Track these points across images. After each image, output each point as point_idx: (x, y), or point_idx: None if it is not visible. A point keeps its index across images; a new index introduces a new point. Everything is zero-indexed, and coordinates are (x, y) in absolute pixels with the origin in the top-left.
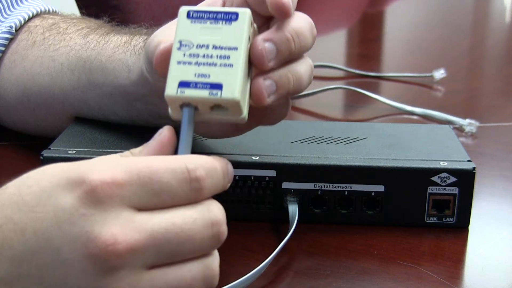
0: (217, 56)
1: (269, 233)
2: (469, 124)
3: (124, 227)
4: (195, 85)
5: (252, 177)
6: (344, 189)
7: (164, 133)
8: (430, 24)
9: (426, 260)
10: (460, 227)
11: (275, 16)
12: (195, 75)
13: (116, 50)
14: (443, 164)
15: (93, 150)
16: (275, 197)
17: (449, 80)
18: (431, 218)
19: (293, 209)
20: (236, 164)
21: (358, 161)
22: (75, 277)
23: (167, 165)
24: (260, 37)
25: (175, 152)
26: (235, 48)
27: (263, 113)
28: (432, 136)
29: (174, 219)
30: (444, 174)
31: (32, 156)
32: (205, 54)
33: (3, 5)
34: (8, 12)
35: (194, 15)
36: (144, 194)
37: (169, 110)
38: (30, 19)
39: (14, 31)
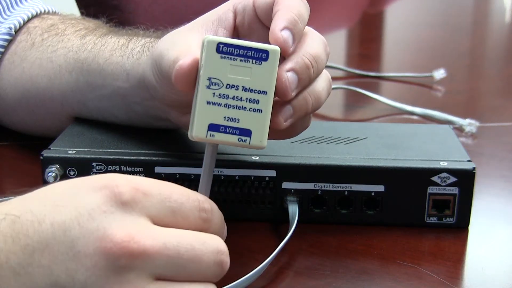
0: (246, 99)
1: (269, 233)
2: (469, 124)
3: (141, 231)
4: (225, 129)
5: (252, 177)
6: (344, 189)
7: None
8: (430, 24)
9: (426, 260)
10: (460, 227)
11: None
12: (225, 118)
13: (113, 52)
14: (443, 164)
15: (93, 150)
16: (275, 197)
17: (449, 80)
18: (431, 218)
19: (293, 209)
20: (236, 164)
21: (358, 161)
22: (84, 272)
23: (183, 191)
24: (283, 68)
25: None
26: (265, 93)
27: (284, 130)
28: (432, 136)
29: (186, 235)
30: (444, 174)
31: (32, 156)
32: (235, 96)
33: (2, 6)
34: (8, 13)
35: (224, 49)
36: (162, 209)
37: (190, 136)
38: (29, 20)
39: (14, 32)
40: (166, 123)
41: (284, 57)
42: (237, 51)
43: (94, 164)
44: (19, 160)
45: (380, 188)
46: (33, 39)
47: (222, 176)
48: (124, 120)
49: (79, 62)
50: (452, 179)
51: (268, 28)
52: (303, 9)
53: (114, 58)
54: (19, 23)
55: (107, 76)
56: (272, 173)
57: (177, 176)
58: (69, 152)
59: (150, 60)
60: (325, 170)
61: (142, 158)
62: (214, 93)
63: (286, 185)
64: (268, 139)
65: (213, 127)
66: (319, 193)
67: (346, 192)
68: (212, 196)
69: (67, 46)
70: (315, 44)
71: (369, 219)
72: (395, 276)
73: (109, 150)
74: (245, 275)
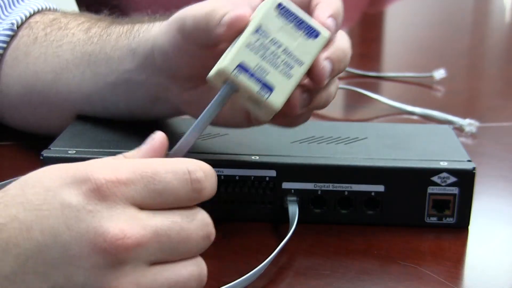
0: (282, 61)
1: (269, 233)
2: (469, 124)
3: (130, 223)
4: (251, 75)
5: (252, 177)
6: (344, 189)
7: (157, 138)
8: (430, 24)
9: (426, 260)
10: (460, 227)
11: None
12: (256, 66)
13: (119, 39)
14: (443, 164)
15: (93, 150)
16: (275, 197)
17: (449, 80)
18: (431, 218)
19: (293, 209)
20: (236, 164)
21: (358, 161)
22: (82, 273)
23: (169, 167)
24: (323, 55)
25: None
26: (301, 63)
27: (287, 118)
28: (432, 136)
29: (175, 218)
30: (444, 174)
31: (32, 156)
32: (274, 52)
33: (4, 3)
34: (9, 10)
35: (283, 10)
36: (147, 193)
37: (212, 72)
38: (31, 16)
39: (16, 28)
40: (164, 107)
41: None
42: (293, 18)
43: None
44: (19, 160)
45: (380, 188)
46: (36, 34)
47: (222, 176)
48: (124, 111)
49: (86, 55)
50: (452, 179)
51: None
52: (341, 6)
53: (120, 43)
54: (21, 19)
55: (113, 62)
56: (272, 173)
57: None
58: (69, 152)
59: (167, 26)
60: (325, 170)
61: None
62: (257, 40)
63: (286, 185)
64: (271, 123)
65: (242, 68)
66: (319, 193)
67: (346, 192)
68: (212, 196)
69: (73, 41)
70: (345, 41)
71: (369, 219)
72: (395, 276)
73: (109, 150)
74: (244, 275)
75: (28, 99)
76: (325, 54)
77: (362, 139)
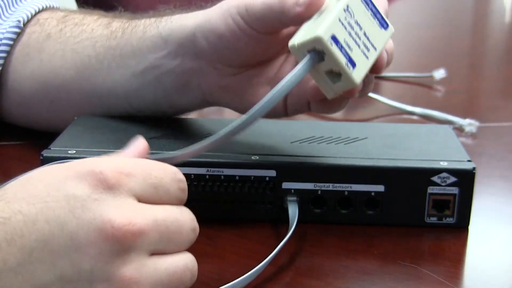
0: (362, 42)
1: (269, 233)
2: (469, 124)
3: (134, 212)
4: (341, 48)
5: (252, 177)
6: (344, 189)
7: (139, 142)
8: (430, 24)
9: (426, 260)
10: (460, 227)
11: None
12: (344, 40)
13: (146, 29)
14: (443, 164)
15: (93, 150)
16: (275, 197)
17: (449, 80)
18: (431, 218)
19: (293, 209)
20: (236, 164)
21: (358, 161)
22: (88, 261)
23: (159, 166)
24: (386, 49)
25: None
26: (375, 48)
27: (330, 103)
28: (432, 136)
29: (169, 209)
30: (444, 174)
31: (32, 156)
32: (357, 33)
33: (4, 3)
34: (12, 9)
35: None
36: (145, 187)
37: (301, 39)
38: (37, 13)
39: (22, 25)
40: (191, 96)
41: None
42: (371, 7)
43: None
44: (19, 160)
45: (380, 188)
46: (48, 30)
47: (222, 176)
48: (150, 101)
49: (110, 50)
50: (452, 179)
51: None
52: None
53: (148, 33)
54: (27, 17)
55: (141, 53)
56: (272, 173)
57: None
58: (69, 152)
59: (221, 11)
60: (325, 170)
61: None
62: (346, 17)
63: (286, 185)
64: (315, 111)
65: (334, 39)
66: (319, 193)
67: (346, 192)
68: (213, 196)
69: (93, 37)
70: (391, 42)
71: (369, 219)
72: (395, 276)
73: (109, 150)
74: (244, 275)
75: (44, 95)
76: (388, 40)
77: (362, 139)
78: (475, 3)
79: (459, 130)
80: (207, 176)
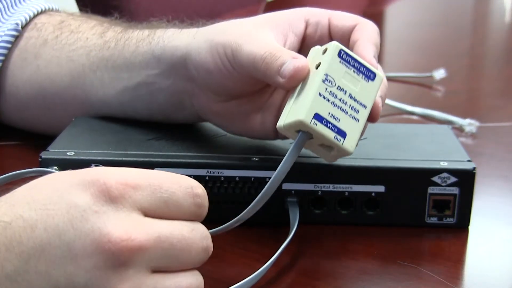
0: (350, 106)
1: (269, 234)
2: (469, 124)
3: (135, 226)
4: (327, 123)
5: (252, 178)
6: (344, 189)
7: None
8: (430, 24)
9: (426, 260)
10: (460, 227)
11: None
12: (329, 114)
13: (139, 44)
14: (443, 164)
15: (92, 151)
16: (276, 198)
17: (449, 80)
18: (431, 218)
19: (294, 210)
20: (236, 165)
21: (358, 161)
22: (84, 273)
23: (174, 179)
24: (379, 95)
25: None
26: (365, 106)
27: None
28: (431, 136)
29: (177, 226)
30: (444, 174)
31: (32, 156)
32: (342, 98)
33: (3, 5)
34: (12, 11)
35: (344, 56)
36: (153, 200)
37: (285, 122)
38: (35, 16)
39: (21, 28)
40: (187, 113)
41: None
42: (353, 62)
43: (93, 165)
44: (19, 160)
45: (381, 188)
46: (45, 36)
47: (222, 177)
48: (144, 113)
49: (103, 60)
50: (453, 179)
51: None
52: (378, 37)
53: (141, 48)
54: (26, 19)
55: (134, 67)
56: (272, 174)
57: None
58: (67, 153)
59: (208, 44)
60: (325, 170)
61: (141, 159)
62: (326, 89)
63: (286, 186)
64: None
65: (318, 117)
66: (319, 193)
67: (347, 192)
68: (213, 198)
69: (87, 46)
70: (382, 72)
71: (370, 219)
72: (395, 276)
73: (108, 152)
74: (246, 276)
75: (41, 100)
76: (379, 93)
77: (362, 139)
78: (475, 3)
79: (459, 130)
80: (207, 177)
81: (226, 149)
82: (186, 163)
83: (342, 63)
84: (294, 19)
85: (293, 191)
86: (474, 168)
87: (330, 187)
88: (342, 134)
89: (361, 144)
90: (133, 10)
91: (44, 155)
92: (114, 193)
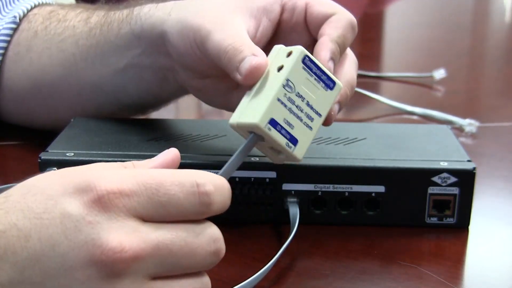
0: (305, 113)
1: (269, 234)
2: (469, 124)
3: (130, 236)
4: (281, 129)
5: (252, 178)
6: (344, 190)
7: (170, 152)
8: (430, 24)
9: (426, 260)
10: (460, 227)
11: None
12: (284, 120)
13: (120, 26)
14: (443, 164)
15: (91, 152)
16: (276, 199)
17: (449, 80)
18: (431, 218)
19: (294, 211)
20: None
21: (358, 161)
22: (79, 285)
23: (175, 178)
24: (337, 101)
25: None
26: (320, 115)
27: None
28: (431, 136)
29: (179, 232)
30: (444, 174)
31: (31, 156)
32: (299, 105)
33: (2, 2)
34: (10, 7)
35: (307, 63)
36: (150, 206)
37: (238, 121)
38: (32, 9)
39: (18, 21)
40: (172, 88)
41: None
42: (315, 70)
43: None
44: (19, 160)
45: (381, 188)
46: (35, 27)
47: None
48: (135, 95)
49: (92, 48)
50: (453, 179)
51: (309, 33)
52: (350, 33)
53: (122, 30)
54: (23, 12)
55: (120, 50)
56: (272, 174)
57: None
58: (67, 154)
59: (180, 25)
60: (326, 171)
61: (140, 160)
62: (285, 94)
63: (286, 186)
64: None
65: (272, 122)
66: (319, 194)
67: (347, 193)
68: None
69: (75, 34)
70: (352, 69)
71: (370, 219)
72: (395, 276)
73: (107, 152)
74: (246, 276)
75: (37, 92)
76: (336, 99)
77: (361, 139)
78: (475, 3)
79: (459, 130)
80: None
81: (226, 149)
82: (186, 164)
83: (305, 69)
84: (270, 3)
85: (293, 192)
86: (474, 168)
87: (330, 187)
88: (294, 141)
89: (361, 144)
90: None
91: (43, 155)
92: (106, 203)
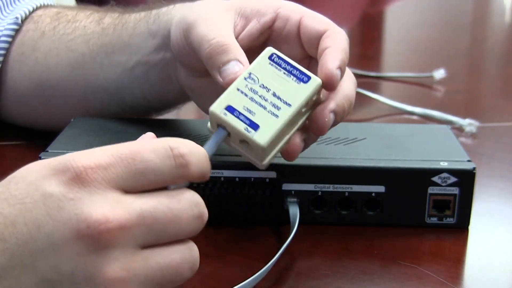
0: (270, 103)
1: (269, 234)
2: (469, 124)
3: (113, 207)
4: (239, 114)
5: (252, 178)
6: (344, 190)
7: (147, 136)
8: (430, 24)
9: (426, 260)
10: (460, 227)
11: (326, 88)
12: (243, 107)
13: (136, 26)
14: (443, 164)
15: None
16: (276, 199)
17: (449, 80)
18: (431, 218)
19: (294, 211)
20: (236, 166)
21: (358, 162)
22: (69, 261)
23: (149, 146)
24: (327, 107)
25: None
26: (289, 105)
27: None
28: (431, 136)
29: (161, 198)
30: (444, 175)
31: (31, 156)
32: (263, 95)
33: (2, 2)
34: (11, 8)
35: (275, 59)
36: (128, 175)
37: (209, 123)
38: (34, 10)
39: (20, 22)
40: (174, 89)
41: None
42: (284, 65)
43: None
44: (19, 160)
45: (381, 188)
46: (42, 27)
47: (222, 178)
48: (139, 96)
49: (103, 47)
50: (453, 179)
51: (301, 47)
52: (348, 50)
53: (138, 29)
54: (25, 13)
55: (131, 49)
56: (272, 174)
57: None
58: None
59: (177, 19)
60: (326, 171)
61: None
62: (247, 85)
63: (286, 186)
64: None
65: (230, 109)
66: (319, 194)
67: (347, 193)
68: (213, 198)
69: (86, 34)
70: (351, 86)
71: (370, 219)
72: (395, 276)
73: None
74: (246, 276)
75: (40, 93)
76: (330, 106)
77: (361, 139)
78: (475, 3)
79: (459, 130)
80: None
81: (226, 149)
82: None
83: (272, 64)
84: (264, 7)
85: (293, 192)
86: (474, 168)
87: (330, 187)
88: (255, 126)
89: (361, 144)
90: (131, 3)
91: (43, 155)
92: (84, 178)
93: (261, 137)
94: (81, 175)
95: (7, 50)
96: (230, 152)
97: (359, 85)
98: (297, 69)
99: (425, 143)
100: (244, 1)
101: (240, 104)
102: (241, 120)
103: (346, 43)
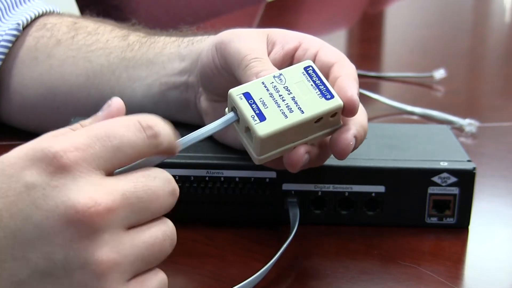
0: (286, 104)
1: (269, 234)
2: (469, 124)
3: (98, 190)
4: (252, 103)
5: (252, 178)
6: (344, 190)
7: (113, 104)
8: (430, 24)
9: (426, 260)
10: (460, 227)
11: (346, 113)
12: (260, 99)
13: (166, 46)
14: (443, 164)
15: None
16: (276, 199)
17: (449, 80)
18: (431, 218)
19: (294, 211)
20: (236, 166)
21: (358, 162)
22: (61, 249)
23: (120, 123)
24: (350, 132)
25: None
26: (302, 111)
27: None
28: (431, 136)
29: (138, 178)
30: (444, 174)
31: None
32: (282, 95)
33: (3, 5)
34: (10, 14)
35: (309, 71)
36: (107, 153)
37: (227, 108)
38: (38, 17)
39: (22, 28)
40: (187, 115)
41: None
42: (315, 79)
43: None
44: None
45: (381, 188)
46: (58, 36)
47: (222, 178)
48: (150, 113)
49: (125, 61)
50: (453, 179)
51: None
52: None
53: (167, 50)
54: (27, 20)
55: (154, 67)
56: (272, 174)
57: (177, 178)
58: None
59: (211, 41)
60: (326, 171)
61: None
62: (272, 82)
63: (286, 186)
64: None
65: (247, 95)
66: (319, 194)
67: (347, 193)
68: (213, 198)
69: (108, 47)
70: (364, 116)
71: (370, 219)
72: (395, 276)
73: None
74: (247, 276)
75: (51, 99)
76: (352, 131)
77: None
78: (475, 3)
79: (459, 130)
80: (207, 178)
81: (226, 149)
82: (186, 164)
83: (304, 74)
84: (289, 37)
85: (293, 191)
86: (474, 168)
87: (330, 187)
88: (261, 117)
89: (361, 144)
90: (134, 9)
91: None
92: (65, 163)
93: (262, 128)
94: (61, 160)
95: (10, 55)
96: (230, 152)
97: (359, 85)
98: (325, 85)
99: (425, 143)
100: (273, 30)
101: (258, 95)
102: (252, 108)
103: (355, 72)
